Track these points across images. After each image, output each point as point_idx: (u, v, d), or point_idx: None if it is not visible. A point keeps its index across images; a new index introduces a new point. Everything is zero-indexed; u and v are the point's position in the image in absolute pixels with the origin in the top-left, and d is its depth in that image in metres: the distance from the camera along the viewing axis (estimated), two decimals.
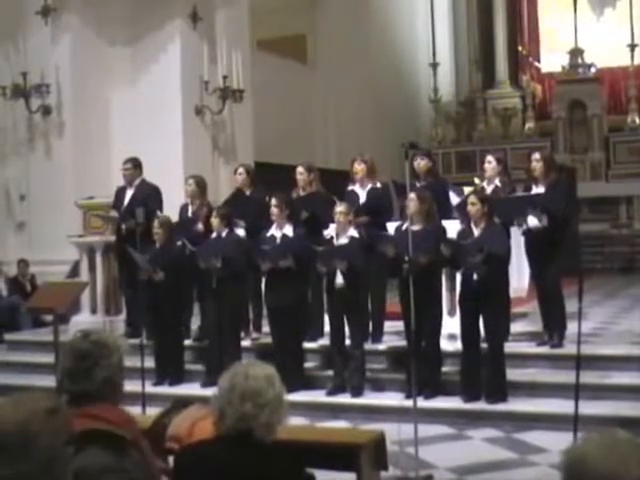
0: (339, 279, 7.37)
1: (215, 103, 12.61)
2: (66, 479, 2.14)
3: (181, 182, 10.24)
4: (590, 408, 6.20)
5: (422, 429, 6.03)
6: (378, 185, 8.30)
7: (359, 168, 8.25)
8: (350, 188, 8.35)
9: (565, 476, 1.86)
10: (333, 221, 7.72)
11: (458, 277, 7.37)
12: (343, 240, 7.48)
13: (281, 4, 16.12)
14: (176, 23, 12.35)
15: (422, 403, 6.69)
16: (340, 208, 7.51)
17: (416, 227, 7.05)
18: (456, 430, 6.87)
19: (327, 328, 7.87)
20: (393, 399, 7.28)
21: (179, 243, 8.39)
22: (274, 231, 7.89)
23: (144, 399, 6.71)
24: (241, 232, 8.43)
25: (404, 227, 7.16)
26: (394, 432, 5.75)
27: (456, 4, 21.58)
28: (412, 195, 7.16)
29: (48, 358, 7.70)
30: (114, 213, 9.34)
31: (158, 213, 8.69)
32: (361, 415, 7.23)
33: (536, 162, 7.80)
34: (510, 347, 7.47)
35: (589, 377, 6.57)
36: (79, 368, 2.97)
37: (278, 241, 7.81)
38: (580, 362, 5.50)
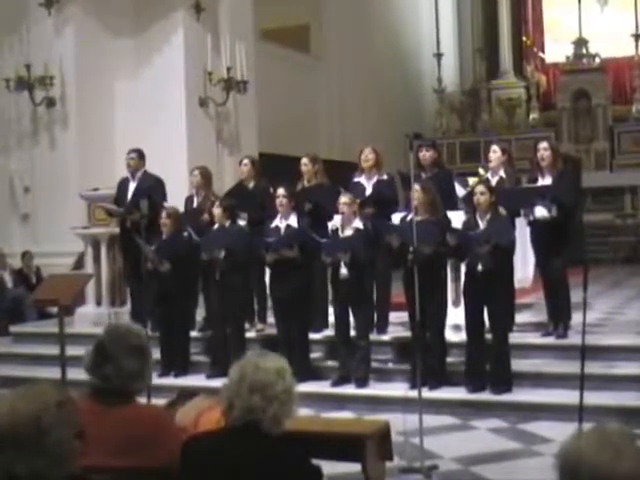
0: (343, 270, 7.37)
1: (219, 94, 12.58)
2: (75, 473, 2.13)
3: (185, 173, 10.24)
4: (595, 398, 6.20)
5: (427, 419, 6.04)
6: (385, 177, 8.28)
7: (370, 157, 8.23)
8: (356, 180, 8.32)
9: (561, 475, 1.85)
10: (338, 212, 7.71)
11: (463, 268, 7.36)
12: (348, 232, 7.47)
13: None
14: (179, 14, 12.32)
15: (427, 394, 6.71)
16: (344, 199, 7.49)
17: (420, 218, 7.05)
18: (461, 420, 6.87)
19: (332, 319, 7.88)
20: (398, 390, 7.28)
21: (185, 234, 8.40)
22: (278, 222, 7.89)
23: (149, 390, 6.69)
24: (243, 224, 8.44)
25: (409, 218, 7.16)
26: (399, 423, 5.76)
27: None
28: (416, 186, 7.15)
29: (53, 350, 7.71)
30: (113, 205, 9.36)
31: (165, 204, 8.71)
32: (366, 406, 7.24)
33: (544, 151, 7.77)
34: (515, 337, 7.45)
35: (594, 367, 6.56)
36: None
37: (282, 232, 7.81)
38: (585, 352, 5.49)
